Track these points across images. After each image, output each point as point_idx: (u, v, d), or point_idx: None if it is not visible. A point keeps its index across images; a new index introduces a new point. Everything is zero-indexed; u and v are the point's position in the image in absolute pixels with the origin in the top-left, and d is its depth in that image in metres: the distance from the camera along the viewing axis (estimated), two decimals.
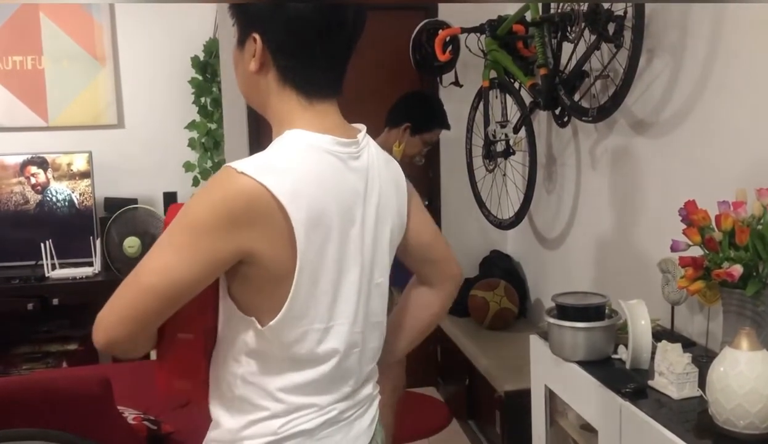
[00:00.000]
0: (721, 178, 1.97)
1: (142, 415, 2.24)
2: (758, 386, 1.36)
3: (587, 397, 1.83)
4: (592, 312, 1.89)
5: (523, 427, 2.27)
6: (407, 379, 2.73)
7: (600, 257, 2.78)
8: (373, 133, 1.17)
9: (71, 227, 3.84)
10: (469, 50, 3.36)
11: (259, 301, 1.02)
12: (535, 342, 2.15)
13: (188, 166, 4.01)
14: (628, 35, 2.15)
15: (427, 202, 3.79)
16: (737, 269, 1.52)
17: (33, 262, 3.74)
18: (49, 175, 3.83)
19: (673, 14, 2.19)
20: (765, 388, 1.36)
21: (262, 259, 0.98)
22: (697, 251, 1.66)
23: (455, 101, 3.60)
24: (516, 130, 3.04)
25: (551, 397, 2.09)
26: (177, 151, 4.01)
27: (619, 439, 1.66)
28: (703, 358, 1.79)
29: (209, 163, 3.98)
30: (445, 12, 3.66)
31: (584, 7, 2.32)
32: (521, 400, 2.41)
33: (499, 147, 3.13)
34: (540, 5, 2.67)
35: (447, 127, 2.84)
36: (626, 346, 1.83)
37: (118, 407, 1.98)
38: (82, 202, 3.86)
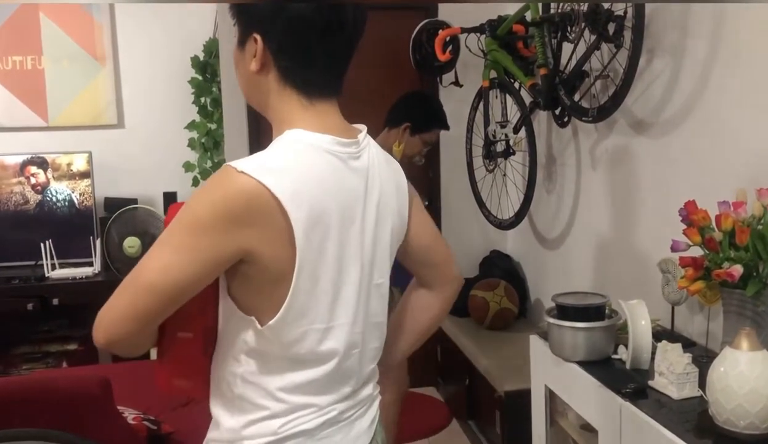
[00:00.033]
0: (721, 178, 1.97)
1: (142, 415, 2.24)
2: (758, 386, 1.36)
3: (587, 397, 1.83)
4: (592, 312, 1.89)
5: (523, 427, 2.27)
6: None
7: (600, 257, 2.78)
8: (373, 133, 1.17)
9: (71, 227, 3.84)
10: (469, 50, 3.36)
11: (259, 300, 1.02)
12: (535, 342, 2.15)
13: (188, 166, 4.01)
14: (628, 35, 2.15)
15: (427, 202, 3.79)
16: (737, 269, 1.52)
17: (33, 262, 3.74)
18: (49, 175, 3.83)
19: (673, 14, 2.19)
20: (765, 388, 1.36)
21: (262, 258, 0.98)
22: (697, 251, 1.66)
23: (455, 101, 3.60)
24: (516, 130, 3.04)
25: (551, 397, 2.09)
26: (177, 151, 4.01)
27: (619, 440, 1.66)
28: (703, 359, 1.79)
29: (209, 163, 3.98)
30: (445, 12, 3.66)
31: (584, 7, 2.32)
32: (521, 400, 2.41)
33: (499, 147, 3.13)
34: (540, 5, 2.67)
35: (446, 127, 2.84)
36: (626, 346, 1.83)
37: (118, 407, 1.98)
38: (82, 202, 3.86)
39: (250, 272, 1.00)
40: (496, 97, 3.19)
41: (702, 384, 1.56)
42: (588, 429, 1.90)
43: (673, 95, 2.20)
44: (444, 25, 3.51)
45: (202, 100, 3.96)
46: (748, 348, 1.39)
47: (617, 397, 1.67)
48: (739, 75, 1.91)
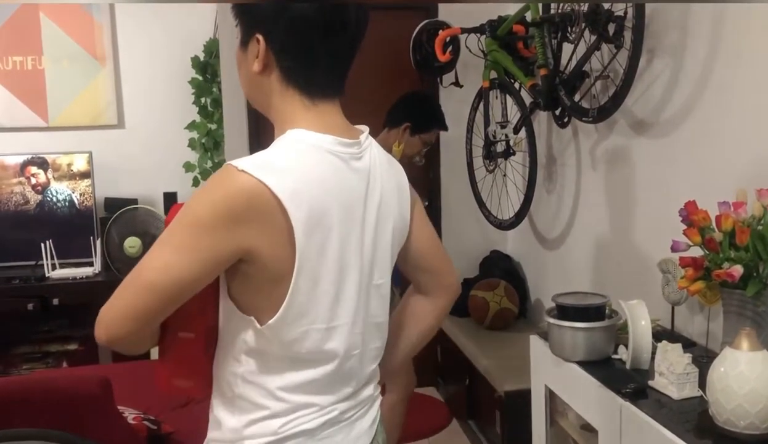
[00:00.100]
0: (722, 179, 1.97)
1: (142, 415, 2.24)
2: (758, 386, 1.36)
3: (587, 397, 1.83)
4: (592, 312, 1.89)
5: (523, 427, 2.27)
6: None
7: (600, 257, 2.78)
8: (373, 133, 1.17)
9: (71, 227, 3.84)
10: (470, 50, 3.36)
11: (258, 300, 1.02)
12: (535, 342, 2.15)
13: (188, 167, 4.01)
14: (628, 35, 2.15)
15: (427, 202, 3.79)
16: (737, 270, 1.52)
17: (33, 262, 3.74)
18: (50, 176, 3.83)
19: (673, 14, 2.19)
20: (765, 388, 1.36)
21: (262, 257, 0.98)
22: (697, 251, 1.66)
23: (455, 101, 3.60)
24: (516, 131, 3.04)
25: (551, 397, 2.09)
26: (177, 151, 4.01)
27: (619, 440, 1.66)
28: (703, 359, 1.79)
29: (209, 164, 3.99)
30: (445, 12, 3.66)
31: (584, 7, 2.32)
32: (521, 400, 2.41)
33: (500, 147, 3.13)
34: (540, 5, 2.67)
35: (445, 128, 2.87)
36: (626, 346, 1.83)
37: (118, 407, 1.98)
38: (83, 202, 3.86)
39: (250, 271, 1.00)
40: (497, 97, 3.19)
41: (702, 384, 1.56)
42: (588, 429, 1.90)
43: (673, 95, 2.20)
44: (444, 25, 3.51)
45: (203, 100, 3.96)
46: (749, 348, 1.39)
47: (617, 397, 1.67)
48: (739, 75, 1.91)
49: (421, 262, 1.24)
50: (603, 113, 2.32)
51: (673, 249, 1.73)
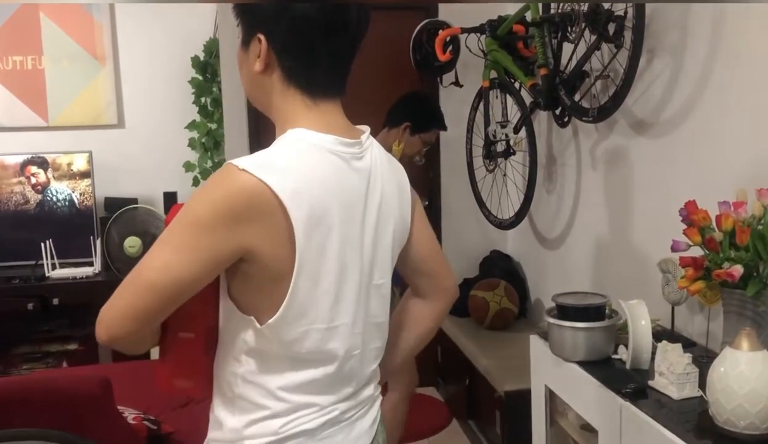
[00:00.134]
0: (722, 178, 1.97)
1: (142, 415, 2.24)
2: (758, 386, 1.36)
3: (587, 397, 1.83)
4: (592, 312, 1.89)
5: (523, 427, 2.27)
6: None
7: (600, 257, 2.78)
8: (373, 133, 1.17)
9: (71, 227, 3.84)
10: (470, 50, 3.36)
11: (259, 299, 1.02)
12: (535, 342, 2.15)
13: (188, 166, 4.01)
14: (628, 35, 2.15)
15: (427, 202, 3.79)
16: (738, 269, 1.52)
17: (33, 262, 3.74)
18: (50, 175, 3.83)
19: (673, 14, 2.19)
20: (765, 388, 1.36)
21: (262, 256, 0.98)
22: (697, 251, 1.66)
23: (455, 101, 3.60)
24: (516, 131, 3.04)
25: (551, 397, 2.09)
26: (177, 151, 4.01)
27: (619, 440, 1.66)
28: (703, 359, 1.79)
29: (209, 163, 3.99)
30: (445, 12, 3.66)
31: (584, 7, 2.32)
32: (521, 400, 2.41)
33: (500, 147, 3.13)
34: (540, 5, 2.67)
35: (444, 128, 2.89)
36: (626, 346, 1.83)
37: (118, 407, 1.98)
38: (83, 201, 3.86)
39: (250, 271, 1.00)
40: (497, 97, 3.19)
41: (702, 384, 1.56)
42: (588, 429, 1.90)
43: (673, 95, 2.20)
44: (444, 25, 3.51)
45: (203, 100, 3.96)
46: (749, 348, 1.39)
47: (617, 397, 1.67)
48: (739, 75, 1.91)
49: (420, 265, 1.24)
50: (603, 113, 2.32)
51: (673, 249, 1.73)
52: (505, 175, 3.42)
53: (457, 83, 3.51)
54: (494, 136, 3.10)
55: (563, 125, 2.82)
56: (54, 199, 3.85)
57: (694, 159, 2.12)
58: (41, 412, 1.76)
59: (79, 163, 3.84)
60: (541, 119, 3.30)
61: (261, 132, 3.62)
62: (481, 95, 3.28)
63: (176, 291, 0.97)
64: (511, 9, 3.15)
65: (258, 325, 1.02)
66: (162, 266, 0.96)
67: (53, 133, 3.96)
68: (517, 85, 3.05)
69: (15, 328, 3.79)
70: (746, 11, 1.88)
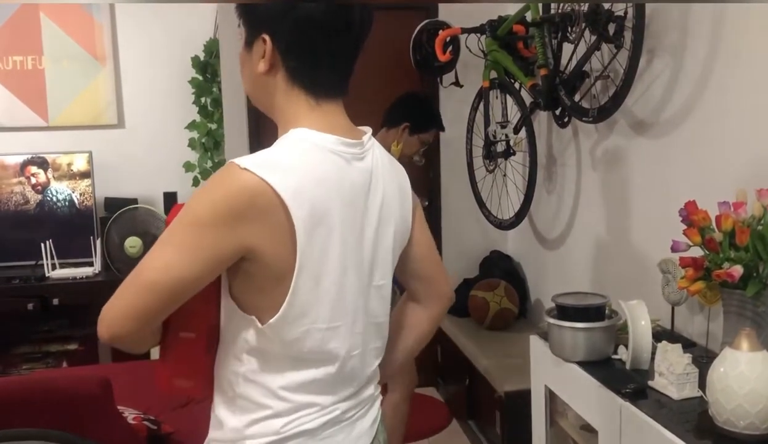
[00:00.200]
0: (721, 179, 1.97)
1: (142, 415, 2.24)
2: (758, 387, 1.36)
3: (587, 397, 1.83)
4: (592, 312, 1.89)
5: (523, 428, 2.27)
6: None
7: (600, 257, 2.78)
8: (373, 133, 1.17)
9: (71, 227, 3.84)
10: (470, 50, 3.36)
11: (260, 299, 1.02)
12: (535, 342, 2.15)
13: (188, 166, 4.01)
14: (628, 36, 2.15)
15: (427, 202, 3.79)
16: (737, 270, 1.52)
17: (33, 262, 3.74)
18: (50, 175, 3.83)
19: (673, 14, 2.19)
20: (765, 388, 1.36)
21: (263, 255, 0.98)
22: (697, 252, 1.66)
23: (455, 101, 3.60)
24: (516, 131, 3.04)
25: (551, 397, 2.09)
26: (177, 151, 4.01)
27: (619, 440, 1.66)
28: (703, 359, 1.79)
29: (209, 164, 3.98)
30: (445, 12, 3.66)
31: (584, 7, 2.33)
32: (521, 400, 2.41)
33: (500, 147, 3.13)
34: (540, 5, 2.67)
35: (442, 128, 2.91)
36: (626, 346, 1.83)
37: (118, 407, 1.98)
38: (83, 202, 3.86)
39: (252, 270, 1.00)
40: (497, 97, 3.19)
41: (702, 384, 1.56)
42: (588, 429, 1.90)
43: (673, 95, 2.20)
44: (444, 25, 3.51)
45: (203, 100, 3.96)
46: (748, 348, 1.39)
47: (617, 397, 1.67)
48: (739, 75, 1.91)
49: (417, 269, 1.24)
50: (603, 113, 2.32)
51: (673, 249, 1.73)
52: (505, 175, 3.42)
53: (457, 83, 3.51)
54: (494, 137, 3.10)
55: (563, 125, 2.82)
56: (54, 199, 3.85)
57: (693, 159, 2.12)
58: (41, 412, 1.76)
59: (79, 163, 3.84)
60: (541, 119, 3.30)
61: (261, 132, 3.62)
62: (481, 95, 3.28)
63: (177, 291, 0.97)
64: (511, 9, 3.15)
65: (259, 324, 1.02)
66: (163, 266, 0.96)
67: (53, 133, 3.96)
68: (517, 85, 3.05)
69: (15, 328, 3.78)
70: (746, 11, 1.88)
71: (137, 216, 3.80)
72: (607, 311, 1.93)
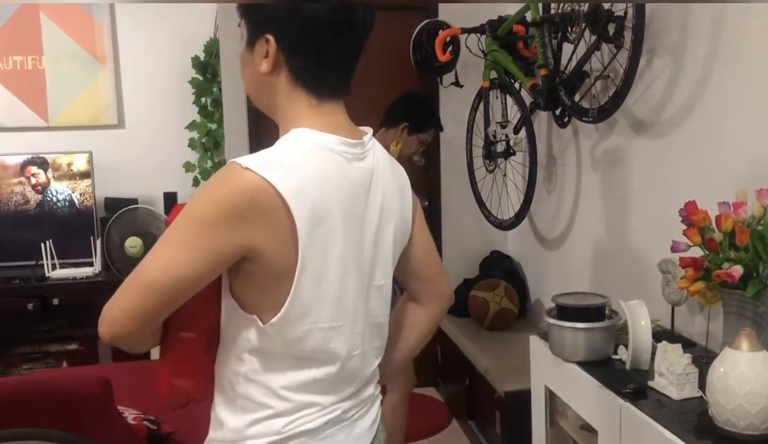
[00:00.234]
0: (721, 179, 1.97)
1: (142, 415, 2.24)
2: (758, 387, 1.36)
3: (587, 397, 1.83)
4: (592, 312, 1.89)
5: (523, 428, 2.27)
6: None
7: (600, 257, 2.78)
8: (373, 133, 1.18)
9: (71, 227, 3.84)
10: (470, 51, 3.36)
11: (261, 298, 1.02)
12: (535, 342, 2.15)
13: (188, 167, 4.01)
14: (628, 36, 2.15)
15: (427, 202, 3.79)
16: (737, 270, 1.52)
17: (33, 262, 3.74)
18: (50, 175, 3.83)
19: (673, 14, 2.19)
20: (765, 388, 1.36)
21: (265, 255, 0.98)
22: (697, 252, 1.66)
23: (455, 101, 3.61)
24: (516, 131, 3.04)
25: (551, 397, 2.09)
26: (177, 151, 4.01)
27: (619, 440, 1.66)
28: (703, 359, 1.79)
29: (209, 164, 3.98)
30: (445, 12, 3.66)
31: (584, 7, 2.33)
32: (521, 400, 2.41)
33: (500, 147, 3.13)
34: (540, 5, 2.67)
35: (441, 128, 2.93)
36: (626, 346, 1.83)
37: (118, 407, 1.98)
38: (83, 202, 3.86)
39: (253, 270, 1.00)
40: (497, 97, 3.19)
41: (702, 384, 1.56)
42: (588, 429, 1.90)
43: (673, 95, 2.20)
44: (444, 25, 3.51)
45: (203, 100, 3.96)
46: (748, 348, 1.39)
47: (617, 397, 1.67)
48: (739, 75, 1.92)
49: (417, 269, 1.24)
50: (603, 113, 2.32)
51: (673, 249, 1.73)
52: (505, 175, 3.42)
53: (457, 83, 3.52)
54: (494, 137, 3.10)
55: (563, 125, 2.82)
56: (54, 199, 3.85)
57: (693, 159, 2.12)
58: (41, 412, 1.76)
59: (79, 164, 3.84)
60: (541, 119, 3.30)
61: (261, 132, 3.62)
62: (481, 95, 3.28)
63: (178, 290, 0.97)
64: (511, 9, 3.15)
65: (261, 323, 1.02)
66: (163, 266, 0.96)
67: (53, 133, 3.96)
68: (517, 85, 3.05)
69: (15, 328, 3.78)
70: (746, 11, 1.88)
71: (137, 216, 3.80)
72: (607, 311, 1.93)
